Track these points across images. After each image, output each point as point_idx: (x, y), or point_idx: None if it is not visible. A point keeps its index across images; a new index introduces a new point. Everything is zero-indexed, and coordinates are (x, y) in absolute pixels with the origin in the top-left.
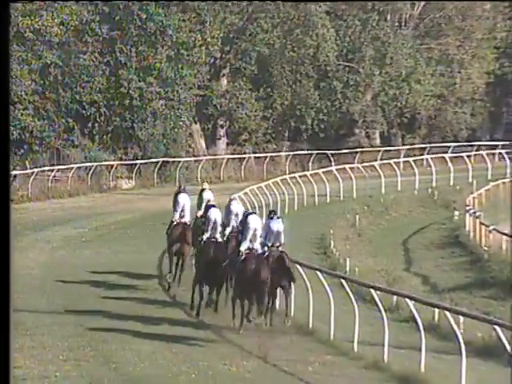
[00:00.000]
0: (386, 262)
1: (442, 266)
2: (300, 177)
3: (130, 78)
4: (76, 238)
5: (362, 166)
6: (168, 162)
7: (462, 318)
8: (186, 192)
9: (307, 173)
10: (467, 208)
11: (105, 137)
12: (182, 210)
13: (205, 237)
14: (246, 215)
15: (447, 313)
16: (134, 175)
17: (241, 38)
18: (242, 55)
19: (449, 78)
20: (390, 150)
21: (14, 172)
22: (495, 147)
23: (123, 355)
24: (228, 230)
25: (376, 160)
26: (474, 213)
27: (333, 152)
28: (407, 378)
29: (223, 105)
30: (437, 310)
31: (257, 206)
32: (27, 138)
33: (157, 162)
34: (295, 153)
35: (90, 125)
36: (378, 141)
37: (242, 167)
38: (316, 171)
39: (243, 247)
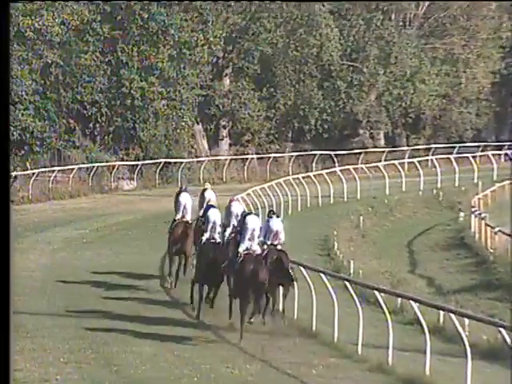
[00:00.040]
0: (391, 263)
1: (447, 268)
2: (303, 178)
3: (132, 78)
4: (77, 239)
5: (366, 167)
6: (170, 162)
7: (467, 321)
8: (187, 191)
9: (310, 174)
10: (472, 209)
11: (106, 137)
12: (184, 209)
13: (204, 238)
14: (244, 215)
15: (452, 315)
16: (135, 176)
17: (243, 38)
18: (244, 55)
19: (454, 78)
20: (395, 151)
21: (14, 173)
22: (501, 148)
23: (124, 357)
24: (228, 230)
25: (380, 161)
26: (480, 214)
27: (336, 153)
28: (412, 381)
29: (226, 105)
30: (442, 313)
31: (260, 207)
32: (28, 139)
33: (159, 163)
34: (298, 153)
35: (91, 125)
36: (382, 141)
37: (245, 168)
38: (319, 172)
39: (242, 248)
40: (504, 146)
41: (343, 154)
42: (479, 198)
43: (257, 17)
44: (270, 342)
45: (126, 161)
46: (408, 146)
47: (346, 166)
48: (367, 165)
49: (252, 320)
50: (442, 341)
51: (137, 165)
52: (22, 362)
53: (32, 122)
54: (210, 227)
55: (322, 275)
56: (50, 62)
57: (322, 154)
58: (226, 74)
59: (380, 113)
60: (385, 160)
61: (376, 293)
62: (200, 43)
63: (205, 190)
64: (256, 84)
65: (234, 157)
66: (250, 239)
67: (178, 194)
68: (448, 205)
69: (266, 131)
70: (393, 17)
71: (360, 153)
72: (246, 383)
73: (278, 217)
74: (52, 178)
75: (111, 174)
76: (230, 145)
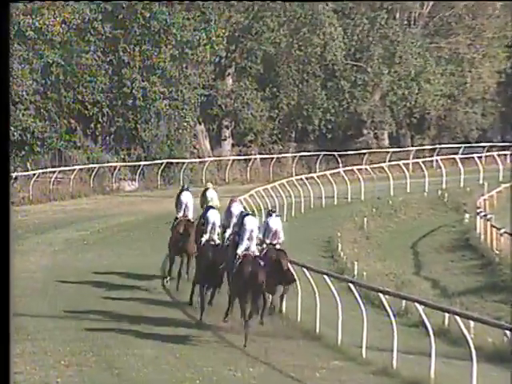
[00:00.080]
0: (395, 265)
1: (452, 270)
2: (307, 178)
3: (134, 78)
4: (78, 240)
5: (371, 168)
6: (172, 163)
7: (472, 323)
8: (189, 191)
9: (314, 174)
10: (478, 210)
11: (107, 138)
12: (186, 208)
13: (203, 239)
14: (242, 216)
15: (457, 317)
16: (137, 177)
17: (246, 37)
18: (247, 54)
19: (459, 78)
20: (399, 151)
21: (14, 174)
22: (507, 148)
23: (126, 360)
24: (228, 231)
25: (384, 161)
26: (485, 215)
27: (340, 153)
28: None
29: (228, 105)
30: (447, 315)
31: (262, 208)
32: (28, 139)
33: (160, 164)
34: (302, 154)
35: (92, 125)
36: (386, 142)
37: (248, 169)
38: (323, 173)
39: (240, 250)
40: (510, 146)
41: (347, 155)
42: (485, 199)
43: (260, 16)
44: (273, 344)
45: (128, 161)
46: (413, 146)
47: (350, 167)
48: (371, 165)
49: (262, 320)
50: (447, 343)
51: (138, 165)
52: (23, 365)
53: (33, 123)
54: (209, 228)
55: (326, 277)
56: (50, 61)
57: (325, 155)
58: (229, 74)
59: (384, 113)
60: (389, 161)
61: (380, 295)
62: (202, 42)
63: (206, 189)
64: (259, 84)
65: (237, 157)
66: (248, 240)
67: (179, 193)
68: (453, 206)
69: (269, 131)
70: (397, 16)
71: (364, 153)
72: None
73: (277, 215)
74: (53, 179)
75: (112, 174)
76: (233, 145)
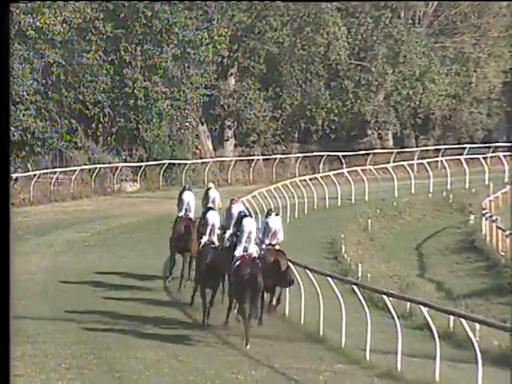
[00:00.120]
0: (399, 267)
1: (457, 272)
2: (310, 179)
3: (135, 78)
4: (79, 242)
5: (375, 168)
6: (174, 164)
7: (478, 326)
8: (191, 190)
9: (317, 175)
10: (483, 212)
11: (109, 138)
12: (187, 207)
13: (203, 241)
14: (240, 218)
15: (463, 320)
16: (138, 178)
17: (249, 36)
18: (250, 54)
19: (464, 77)
20: (404, 152)
21: (15, 175)
22: None
23: (127, 363)
24: (228, 232)
25: (389, 162)
26: (491, 216)
27: (344, 154)
28: None
29: (231, 105)
30: (452, 317)
31: (265, 209)
32: (29, 140)
33: (162, 164)
34: (305, 155)
35: (93, 126)
36: (390, 142)
37: (251, 169)
38: (327, 173)
39: (238, 251)
40: None
41: (351, 155)
42: (490, 200)
43: (263, 15)
44: (276, 346)
45: (129, 162)
46: (417, 146)
47: (354, 168)
48: (375, 166)
49: (260, 320)
50: (452, 346)
51: (140, 166)
52: (23, 368)
53: (33, 123)
54: (208, 230)
55: (329, 279)
56: (51, 61)
57: (329, 155)
58: (231, 74)
59: (388, 113)
60: (393, 161)
61: (384, 297)
62: (205, 42)
63: (209, 189)
64: (262, 84)
65: (240, 158)
66: (246, 242)
67: (181, 193)
68: (458, 207)
69: (272, 132)
70: (402, 15)
71: (368, 154)
72: None
73: (276, 215)
74: (53, 180)
75: (114, 175)
76: (236, 146)
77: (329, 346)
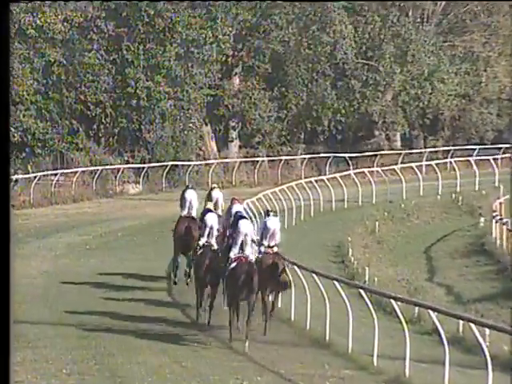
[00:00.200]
0: (408, 271)
1: (466, 276)
2: (316, 181)
3: (138, 78)
4: (80, 245)
5: (382, 170)
6: (177, 165)
7: (487, 331)
8: (193, 189)
9: (324, 177)
10: (493, 214)
11: (111, 139)
12: (190, 205)
13: (200, 243)
14: (236, 219)
15: (472, 325)
16: (141, 179)
17: (254, 35)
18: (255, 53)
19: (474, 77)
20: (412, 153)
21: (15, 176)
22: None
23: (129, 369)
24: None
25: (397, 163)
26: (501, 219)
27: (351, 155)
28: None
29: (235, 105)
30: (461, 322)
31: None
32: (29, 141)
33: (165, 166)
34: (311, 156)
35: (95, 126)
36: (398, 143)
37: (256, 171)
38: (333, 175)
39: (233, 253)
40: None
41: (358, 157)
42: (500, 203)
43: (268, 13)
44: (282, 352)
45: (132, 163)
46: (426, 147)
47: (361, 169)
48: (383, 168)
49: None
50: (462, 352)
51: (143, 168)
52: (23, 374)
53: (34, 123)
54: (206, 232)
55: (336, 283)
56: (52, 60)
57: (335, 157)
58: (236, 73)
59: (396, 113)
60: (401, 163)
61: (392, 301)
62: (208, 41)
63: (212, 189)
64: (267, 83)
65: (244, 159)
66: (242, 244)
67: (183, 191)
68: (468, 209)
69: (278, 133)
70: (410, 13)
71: (375, 155)
72: None
73: (275, 216)
74: (54, 182)
75: (116, 177)
76: (240, 147)
77: (335, 351)
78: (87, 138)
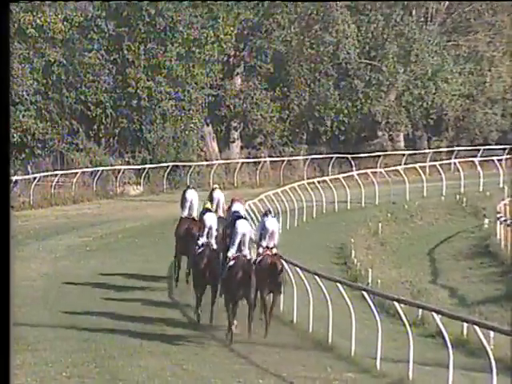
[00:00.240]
0: (411, 273)
1: (470, 278)
2: (319, 182)
3: (138, 78)
4: (80, 247)
5: (385, 171)
6: (178, 166)
7: (492, 333)
8: (194, 189)
9: (326, 178)
10: (498, 215)
11: (111, 140)
12: (191, 205)
13: (200, 242)
14: (234, 219)
15: (476, 327)
16: (142, 180)
17: (256, 35)
18: (257, 53)
19: (478, 77)
20: (415, 154)
21: (14, 177)
22: None
23: (130, 372)
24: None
25: (400, 164)
26: (506, 220)
27: (354, 156)
28: None
29: (237, 105)
30: (465, 325)
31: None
32: (29, 141)
33: (166, 167)
34: (314, 157)
35: (95, 127)
36: (402, 144)
37: (257, 172)
38: (336, 176)
39: (231, 252)
40: None
41: (361, 157)
42: (505, 204)
43: (270, 13)
44: (284, 355)
45: (132, 164)
46: (429, 148)
47: (364, 170)
48: (386, 168)
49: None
50: (466, 355)
51: (143, 169)
52: (23, 377)
53: (33, 124)
54: (205, 232)
55: (339, 285)
56: (52, 60)
57: (338, 157)
58: (238, 73)
59: (400, 113)
60: (405, 163)
61: (396, 304)
62: (210, 41)
63: (213, 190)
64: (269, 83)
65: (246, 160)
66: (240, 244)
67: (184, 191)
68: (472, 211)
69: (280, 133)
70: (413, 12)
71: (379, 156)
72: None
73: (273, 216)
74: (54, 183)
75: (116, 178)
76: (242, 147)
77: (338, 353)
78: (87, 138)
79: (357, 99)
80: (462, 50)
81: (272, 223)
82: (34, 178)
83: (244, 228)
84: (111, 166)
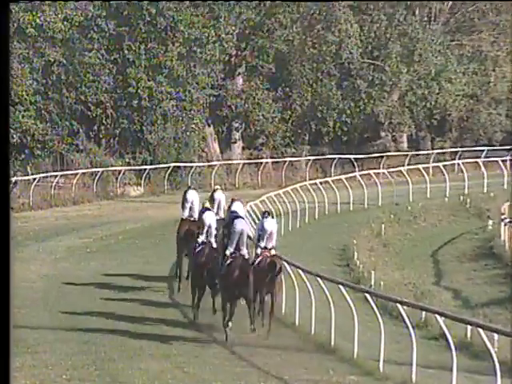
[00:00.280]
0: (414, 274)
1: (474, 280)
2: (321, 183)
3: (139, 77)
4: (80, 248)
5: (388, 172)
6: (179, 167)
7: (496, 336)
8: (195, 189)
9: (329, 179)
10: (502, 217)
11: (111, 140)
12: (192, 205)
13: (199, 240)
14: (232, 218)
15: (480, 330)
16: (142, 181)
17: (257, 34)
18: (258, 52)
19: (482, 77)
20: (419, 155)
21: (14, 178)
22: None
23: (131, 374)
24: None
25: (403, 165)
26: (510, 222)
27: (356, 156)
28: None
29: (239, 106)
30: (469, 327)
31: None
32: (29, 142)
33: (167, 168)
34: (316, 157)
35: (95, 127)
36: (405, 144)
37: (259, 173)
38: (338, 177)
39: (229, 251)
40: None
41: (363, 158)
42: (509, 205)
43: (272, 12)
44: (286, 357)
45: (133, 165)
46: (433, 149)
47: (367, 171)
48: (389, 169)
49: (253, 327)
50: (469, 357)
51: (144, 169)
52: (23, 379)
53: (33, 124)
54: (205, 230)
55: (341, 287)
56: (52, 60)
57: (340, 158)
58: (239, 73)
59: (403, 114)
60: (408, 164)
61: (399, 306)
62: (211, 40)
63: (215, 191)
64: (271, 83)
65: (248, 161)
66: (237, 243)
67: (185, 192)
68: (476, 212)
69: (282, 134)
70: (417, 12)
71: (381, 156)
72: None
73: (272, 217)
74: (54, 184)
75: (117, 179)
76: (243, 148)
77: (341, 356)
78: (87, 139)
79: (359, 99)
80: (465, 50)
81: (270, 224)
82: (34, 179)
83: (242, 227)
84: (111, 166)
